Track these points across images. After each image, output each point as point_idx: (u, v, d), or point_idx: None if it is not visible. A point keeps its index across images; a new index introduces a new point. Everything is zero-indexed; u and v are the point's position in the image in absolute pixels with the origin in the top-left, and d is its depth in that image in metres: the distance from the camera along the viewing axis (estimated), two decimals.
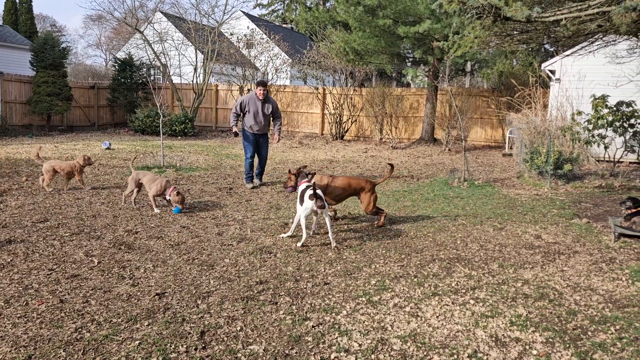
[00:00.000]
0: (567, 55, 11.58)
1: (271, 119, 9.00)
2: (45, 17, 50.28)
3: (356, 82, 18.31)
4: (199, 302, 3.93)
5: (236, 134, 8.92)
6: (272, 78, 19.88)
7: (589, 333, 3.58)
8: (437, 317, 3.82)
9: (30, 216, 6.37)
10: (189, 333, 3.42)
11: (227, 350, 3.22)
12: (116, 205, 7.13)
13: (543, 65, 13.04)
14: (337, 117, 17.82)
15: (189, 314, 3.71)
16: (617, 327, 3.66)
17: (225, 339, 3.37)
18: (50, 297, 3.91)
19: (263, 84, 8.68)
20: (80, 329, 3.40)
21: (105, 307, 3.77)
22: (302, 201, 5.45)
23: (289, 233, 5.78)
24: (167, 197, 6.81)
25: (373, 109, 16.95)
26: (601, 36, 6.68)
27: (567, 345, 3.38)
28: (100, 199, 7.51)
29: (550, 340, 3.46)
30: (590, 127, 10.13)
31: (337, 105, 17.76)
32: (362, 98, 17.73)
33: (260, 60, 20.37)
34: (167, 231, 5.93)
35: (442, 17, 12.90)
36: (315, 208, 5.30)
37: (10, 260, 4.71)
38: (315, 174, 6.04)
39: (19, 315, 3.58)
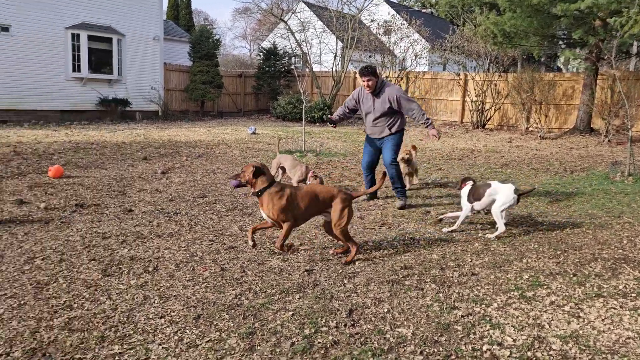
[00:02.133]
0: None
1: (400, 113, 6.33)
2: (200, 12, 54.97)
3: (501, 67, 17.26)
4: (346, 282, 4.01)
5: (332, 122, 6.63)
6: (411, 64, 19.55)
7: None
8: (603, 320, 3.46)
9: (191, 192, 7.03)
10: (338, 310, 3.51)
11: (375, 330, 3.24)
12: None
13: None
14: (479, 104, 17.00)
15: (336, 292, 3.80)
16: None
17: (373, 319, 3.40)
18: (213, 265, 4.27)
19: (366, 71, 6.05)
20: (239, 296, 3.67)
21: (260, 278, 4.01)
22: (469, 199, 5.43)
23: (454, 227, 5.51)
24: (308, 182, 7.06)
25: (520, 96, 15.85)
26: None
27: None
28: None
29: None
30: None
31: (480, 92, 16.92)
32: (508, 84, 16.67)
33: (400, 47, 20.13)
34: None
35: None
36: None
37: (178, 230, 5.24)
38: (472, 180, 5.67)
39: (187, 278, 3.97)
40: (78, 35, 16.80)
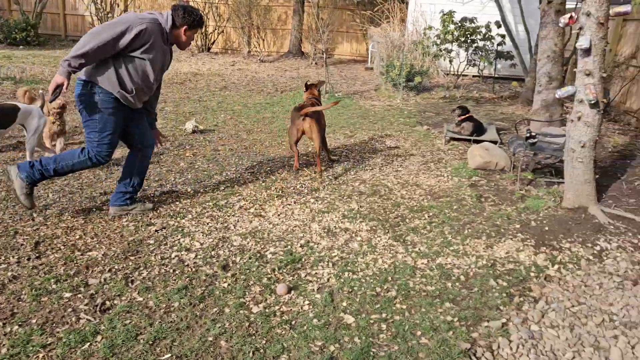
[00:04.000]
0: None
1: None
2: None
3: None
4: (35, 215, 3.80)
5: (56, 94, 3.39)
6: None
7: (407, 220, 4.12)
8: (279, 215, 4.12)
9: None
10: (22, 245, 3.34)
11: (63, 257, 3.21)
12: None
13: None
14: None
15: (22, 227, 3.59)
16: (431, 214, 4.25)
17: (62, 247, 3.35)
18: None
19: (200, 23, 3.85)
20: None
21: None
22: None
23: None
24: None
25: (240, 20, 16.36)
26: None
27: (387, 231, 3.88)
28: None
29: (374, 228, 3.94)
30: (439, 41, 10.85)
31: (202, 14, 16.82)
32: (229, 8, 16.96)
33: None
34: (0, 147, 5.48)
35: None
36: None
37: None
38: None
39: None
40: None
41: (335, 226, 3.95)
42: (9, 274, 2.98)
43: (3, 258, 3.15)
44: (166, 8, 17.84)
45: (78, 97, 3.54)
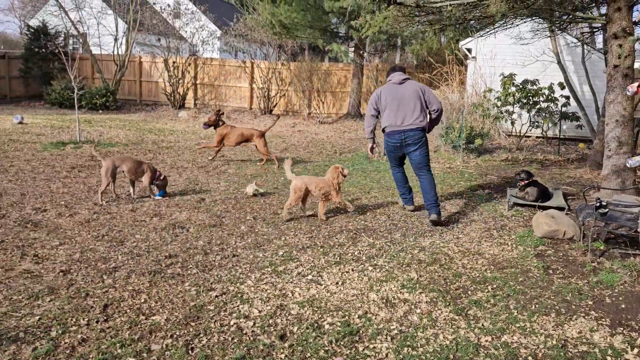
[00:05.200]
0: (481, 36, 12.16)
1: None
2: None
3: (287, 55, 18.22)
4: (105, 277, 3.97)
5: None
6: (199, 50, 19.41)
7: (469, 292, 3.97)
8: (337, 283, 4.09)
9: None
10: (92, 307, 3.49)
11: (128, 321, 3.32)
12: (25, 183, 6.88)
13: (461, 43, 13.59)
14: (265, 91, 17.76)
15: (93, 289, 3.76)
16: (494, 286, 4.09)
17: (128, 311, 3.46)
18: None
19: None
20: None
21: (6, 285, 3.74)
22: None
23: None
24: (156, 182, 6.40)
25: (301, 84, 17.02)
26: (504, 19, 7.09)
27: (448, 304, 3.75)
28: (7, 177, 7.21)
29: (434, 300, 3.82)
30: (499, 103, 10.78)
31: (266, 79, 17.67)
32: (291, 72, 17.73)
33: (186, 32, 19.77)
34: (78, 208, 5.84)
35: None
36: None
37: None
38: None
39: None
40: None
41: (393, 296, 3.87)
42: (79, 336, 3.11)
43: (74, 320, 3.30)
44: (231, 75, 18.91)
45: (422, 139, 5.88)
